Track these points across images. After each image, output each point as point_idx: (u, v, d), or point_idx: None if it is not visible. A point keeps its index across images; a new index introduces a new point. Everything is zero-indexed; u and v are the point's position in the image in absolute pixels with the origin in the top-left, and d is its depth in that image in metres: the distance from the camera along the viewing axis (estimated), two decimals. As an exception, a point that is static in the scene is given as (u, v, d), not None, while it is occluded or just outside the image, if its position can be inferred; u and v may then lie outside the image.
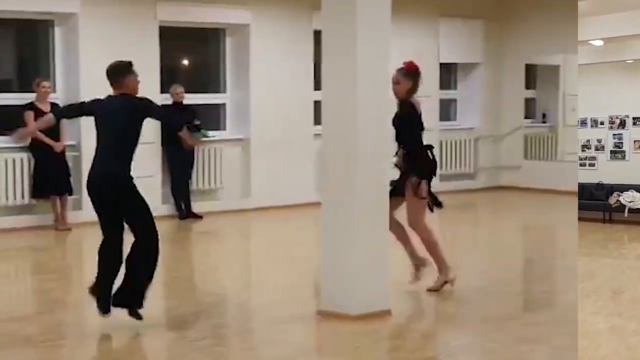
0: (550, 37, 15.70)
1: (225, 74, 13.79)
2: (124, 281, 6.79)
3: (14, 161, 11.58)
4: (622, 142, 16.10)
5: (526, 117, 16.82)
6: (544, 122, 17.19)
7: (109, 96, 6.85)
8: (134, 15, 12.43)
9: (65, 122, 11.67)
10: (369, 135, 6.98)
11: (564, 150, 16.72)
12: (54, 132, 11.46)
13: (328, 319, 7.01)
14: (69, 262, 10.44)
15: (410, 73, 7.79)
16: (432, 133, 15.53)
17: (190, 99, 13.02)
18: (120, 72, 6.82)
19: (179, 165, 12.71)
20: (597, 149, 16.43)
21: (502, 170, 16.61)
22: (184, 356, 6.28)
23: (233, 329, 7.16)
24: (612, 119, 16.19)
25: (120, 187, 6.66)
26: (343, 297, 7.03)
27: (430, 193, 7.79)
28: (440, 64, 15.88)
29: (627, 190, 15.28)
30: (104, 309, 6.79)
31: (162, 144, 12.64)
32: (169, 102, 12.68)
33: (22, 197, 11.68)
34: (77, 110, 7.23)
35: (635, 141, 15.94)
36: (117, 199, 6.67)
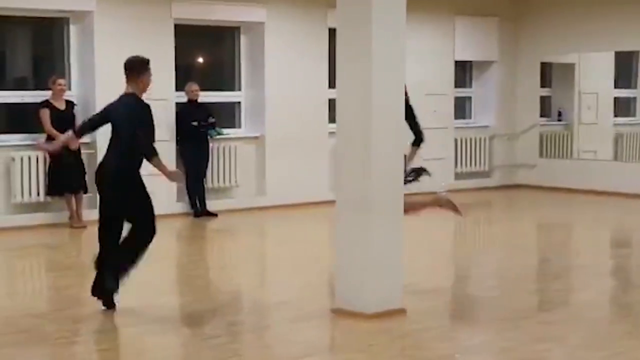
0: (566, 35, 15.65)
1: (240, 72, 13.79)
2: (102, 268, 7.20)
3: (29, 159, 11.61)
4: None
5: (541, 115, 16.76)
6: (559, 120, 17.13)
7: (120, 97, 7.25)
8: (149, 13, 12.45)
9: (79, 120, 11.77)
10: (384, 133, 6.97)
11: (580, 149, 16.66)
12: (69, 130, 11.47)
13: (342, 317, 7.01)
14: (84, 260, 10.42)
15: None
16: (448, 131, 15.59)
17: (205, 96, 13.03)
18: (137, 68, 7.18)
19: (193, 163, 12.72)
20: None
21: (517, 168, 16.56)
22: (199, 353, 6.29)
23: (248, 327, 7.17)
24: None
25: (118, 181, 7.16)
26: (357, 295, 7.02)
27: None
28: (456, 62, 15.85)
29: None
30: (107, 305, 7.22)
31: (177, 142, 12.66)
32: (184, 99, 12.71)
33: (38, 194, 11.72)
34: (97, 122, 7.60)
35: None
36: (112, 191, 7.17)
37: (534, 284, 8.84)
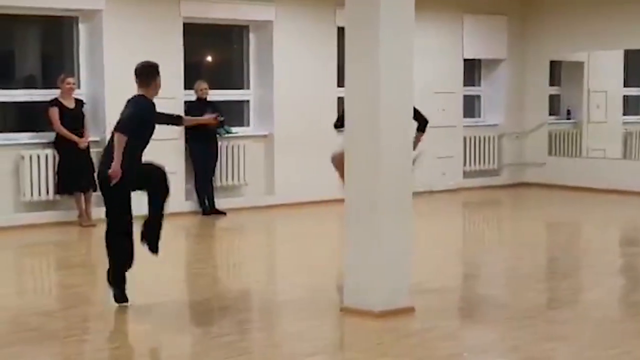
0: (575, 33, 15.62)
1: (249, 71, 13.79)
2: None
3: (38, 157, 11.63)
4: None
5: (550, 114, 16.72)
6: (568, 119, 17.10)
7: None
8: (158, 12, 12.46)
9: (88, 119, 11.81)
10: (392, 132, 6.97)
11: (589, 147, 16.63)
12: (78, 128, 11.54)
13: (351, 316, 7.02)
14: (93, 258, 10.46)
15: None
16: (456, 129, 15.58)
17: (214, 95, 13.04)
18: (149, 74, 7.24)
19: (202, 162, 12.73)
20: None
21: (526, 166, 16.54)
22: (208, 352, 6.30)
23: (257, 325, 7.18)
24: None
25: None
26: (366, 293, 7.02)
27: None
28: (464, 61, 15.83)
29: None
30: (119, 299, 7.23)
31: (186, 141, 12.66)
32: (193, 98, 12.73)
33: (47, 193, 11.73)
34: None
35: None
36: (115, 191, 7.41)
37: (543, 283, 8.83)
